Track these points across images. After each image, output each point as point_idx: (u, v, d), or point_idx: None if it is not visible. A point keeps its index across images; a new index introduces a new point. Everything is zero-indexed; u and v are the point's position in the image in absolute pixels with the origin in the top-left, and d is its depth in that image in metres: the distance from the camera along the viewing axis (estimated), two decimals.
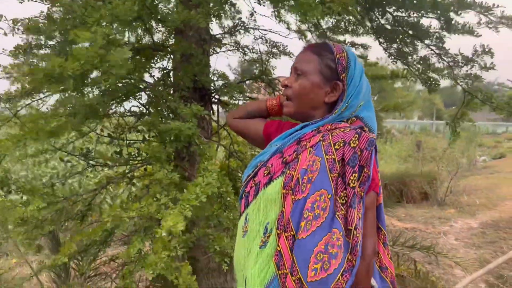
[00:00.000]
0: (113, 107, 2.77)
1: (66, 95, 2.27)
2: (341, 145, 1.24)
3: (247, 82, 3.26)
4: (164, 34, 3.08)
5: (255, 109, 1.67)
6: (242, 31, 2.95)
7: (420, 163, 9.22)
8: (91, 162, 2.79)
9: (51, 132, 2.10)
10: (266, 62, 2.94)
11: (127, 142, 2.95)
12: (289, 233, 1.24)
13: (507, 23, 2.52)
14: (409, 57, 3.11)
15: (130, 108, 2.97)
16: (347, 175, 1.21)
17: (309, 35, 3.57)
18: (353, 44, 3.36)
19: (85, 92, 2.31)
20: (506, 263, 4.96)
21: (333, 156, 1.24)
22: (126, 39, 2.57)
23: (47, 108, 2.68)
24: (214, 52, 3.21)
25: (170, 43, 3.06)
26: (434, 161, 9.29)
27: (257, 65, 3.16)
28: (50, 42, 2.17)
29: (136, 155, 2.94)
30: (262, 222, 1.33)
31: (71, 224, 3.28)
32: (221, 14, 2.82)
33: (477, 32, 2.66)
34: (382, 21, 3.03)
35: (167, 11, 2.25)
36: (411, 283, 3.90)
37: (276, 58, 2.96)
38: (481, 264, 4.92)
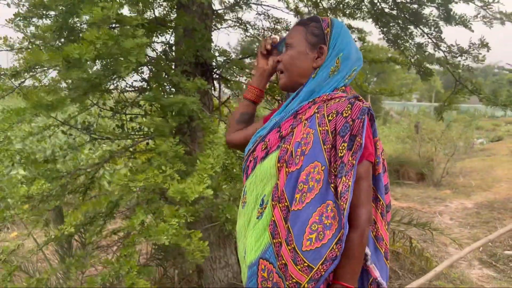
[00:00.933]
0: (114, 82, 2.78)
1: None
2: (334, 115, 1.25)
3: (248, 59, 3.26)
4: (166, 9, 3.07)
5: (241, 111, 1.64)
6: (244, 7, 2.94)
7: (418, 144, 9.27)
8: (93, 135, 2.81)
9: (50, 106, 2.11)
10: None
11: (129, 116, 2.97)
12: (283, 204, 1.27)
13: (501, 18, 2.57)
14: (406, 43, 3.16)
15: (132, 83, 2.98)
16: (337, 145, 1.23)
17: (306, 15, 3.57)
18: (349, 27, 3.36)
19: (86, 67, 2.32)
20: (500, 242, 5.06)
21: (326, 128, 1.25)
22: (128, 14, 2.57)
23: (48, 80, 2.69)
24: (216, 28, 3.20)
25: (172, 17, 3.05)
26: (432, 142, 9.33)
27: (257, 44, 3.16)
28: (52, 12, 2.17)
29: (138, 129, 2.96)
30: (259, 195, 1.37)
31: (73, 198, 3.32)
32: None
33: (470, 26, 2.73)
34: (383, 5, 3.05)
35: None
36: (406, 260, 3.98)
37: (279, 35, 2.96)
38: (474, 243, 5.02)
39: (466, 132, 12.05)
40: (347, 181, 1.19)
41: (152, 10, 2.78)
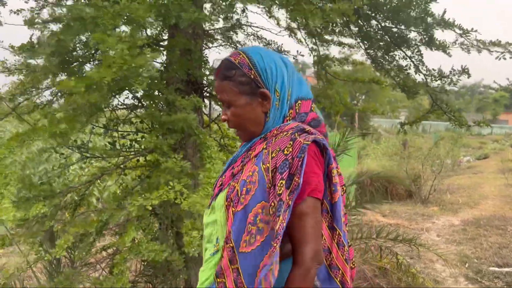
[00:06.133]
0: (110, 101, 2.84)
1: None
2: (277, 153, 1.23)
3: None
4: (157, 29, 3.14)
5: None
6: (237, 31, 3.04)
7: (406, 161, 9.40)
8: (84, 154, 2.84)
9: (62, 133, 2.17)
10: None
11: (121, 133, 3.01)
12: (229, 245, 1.25)
13: (478, 46, 2.75)
14: (389, 65, 3.32)
15: (124, 100, 3.03)
16: (276, 183, 1.19)
17: (298, 33, 3.68)
18: (340, 44, 3.48)
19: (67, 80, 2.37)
20: (485, 259, 5.14)
21: (268, 165, 1.22)
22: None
23: (43, 103, 2.74)
24: (207, 47, 3.29)
25: (164, 37, 3.13)
26: (419, 160, 9.47)
27: None
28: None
29: (129, 146, 3.01)
30: (213, 230, 1.36)
31: (61, 214, 3.32)
32: (230, 15, 2.93)
33: (449, 51, 2.92)
34: (368, 28, 3.20)
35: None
36: (393, 275, 4.03)
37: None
38: (461, 259, 5.09)
39: (453, 149, 12.25)
40: (282, 220, 1.14)
41: (144, 30, 2.86)
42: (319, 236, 1.23)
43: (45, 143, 2.11)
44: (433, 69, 3.11)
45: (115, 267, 2.32)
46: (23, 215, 2.17)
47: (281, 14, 3.30)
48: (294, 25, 3.66)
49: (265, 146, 1.29)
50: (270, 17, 3.36)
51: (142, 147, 2.97)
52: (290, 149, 1.21)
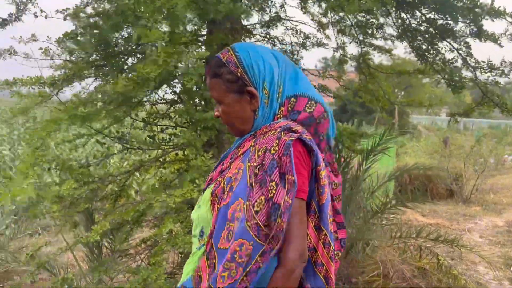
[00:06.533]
0: (147, 95, 2.90)
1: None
2: (263, 151, 1.21)
3: None
4: (196, 25, 3.17)
5: None
6: (275, 23, 3.02)
7: (447, 160, 9.09)
8: (125, 145, 2.92)
9: (85, 117, 2.23)
10: (296, 52, 3.00)
11: (160, 128, 3.07)
12: (210, 240, 1.26)
13: None
14: (434, 59, 3.20)
15: (163, 95, 3.09)
16: (267, 185, 1.17)
17: (330, 31, 3.61)
18: (383, 37, 3.39)
19: (119, 80, 2.43)
20: None
21: (254, 163, 1.21)
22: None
23: (82, 91, 2.83)
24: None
25: (202, 33, 3.15)
26: (461, 158, 9.14)
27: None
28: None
29: (168, 140, 3.06)
30: (198, 224, 1.36)
31: (104, 204, 3.43)
32: (268, 8, 2.92)
33: (500, 42, 2.77)
34: (412, 21, 3.09)
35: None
36: (433, 277, 3.91)
37: (307, 50, 3.01)
38: (505, 262, 4.88)
39: (497, 148, 11.76)
40: (281, 223, 1.13)
41: (184, 26, 2.89)
42: (304, 236, 1.21)
43: (69, 126, 2.17)
44: (482, 61, 2.96)
45: (152, 258, 2.37)
46: (57, 190, 2.24)
47: (315, 8, 3.25)
48: (325, 20, 3.59)
49: (253, 144, 1.27)
50: (304, 13, 3.31)
51: (182, 142, 3.01)
52: (276, 148, 1.19)
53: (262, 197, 1.17)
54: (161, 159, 2.97)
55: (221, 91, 1.31)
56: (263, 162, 1.19)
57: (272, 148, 1.19)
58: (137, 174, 5.32)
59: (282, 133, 1.22)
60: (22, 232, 4.90)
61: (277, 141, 1.20)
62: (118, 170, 3.08)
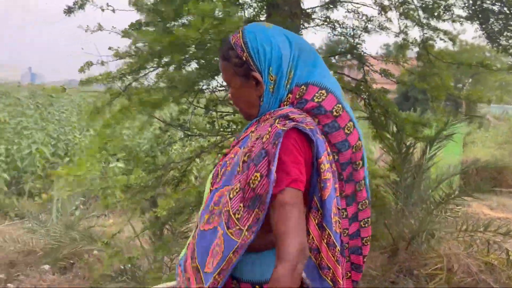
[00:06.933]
0: (205, 81, 2.96)
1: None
2: (255, 138, 1.18)
3: (336, 57, 3.26)
4: (255, 9, 3.17)
5: None
6: (334, 5, 2.95)
7: None
8: (186, 132, 3.00)
9: (155, 104, 2.31)
10: (357, 37, 2.91)
11: (219, 114, 3.12)
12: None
13: None
14: (508, 41, 2.94)
15: (222, 82, 3.13)
16: (249, 173, 1.12)
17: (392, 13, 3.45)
18: (451, 19, 3.19)
19: (183, 67, 2.49)
20: None
21: (245, 150, 1.18)
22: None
23: (148, 84, 2.94)
24: (304, 27, 3.24)
25: (261, 18, 3.14)
26: None
27: (342, 44, 3.15)
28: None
29: (227, 126, 3.11)
30: (203, 209, 1.34)
31: (163, 189, 3.58)
32: None
33: None
34: (484, 0, 2.88)
35: None
36: (502, 273, 3.70)
37: (369, 33, 2.91)
38: None
39: None
40: (259, 212, 1.10)
41: (243, 11, 2.90)
42: (304, 229, 1.12)
43: (138, 109, 2.27)
44: None
45: None
46: (126, 180, 2.36)
47: None
48: (386, 1, 3.44)
49: (253, 130, 1.25)
50: None
51: (239, 127, 3.05)
52: (267, 136, 1.13)
53: (238, 184, 1.14)
54: (219, 145, 3.03)
55: (230, 74, 1.30)
56: (252, 149, 1.15)
57: (264, 136, 1.15)
58: (197, 160, 5.50)
59: (277, 120, 1.17)
60: (90, 213, 5.22)
61: (269, 129, 1.15)
62: (180, 156, 3.18)
